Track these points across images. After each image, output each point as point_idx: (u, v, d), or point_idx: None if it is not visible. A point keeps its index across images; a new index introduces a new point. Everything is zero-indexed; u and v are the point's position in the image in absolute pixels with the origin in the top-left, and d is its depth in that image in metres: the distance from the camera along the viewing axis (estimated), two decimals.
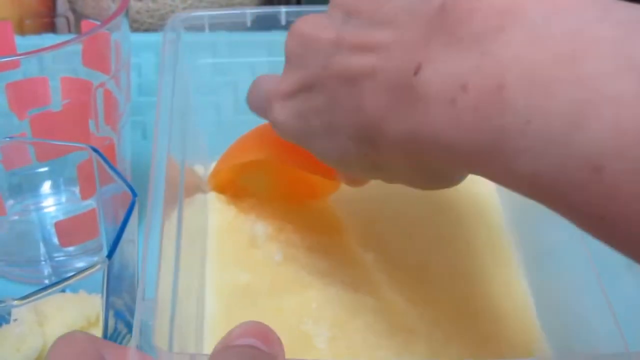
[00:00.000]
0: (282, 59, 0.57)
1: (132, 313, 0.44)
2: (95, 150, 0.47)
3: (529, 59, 0.30)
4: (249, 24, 0.58)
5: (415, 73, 0.34)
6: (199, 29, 0.57)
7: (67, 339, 0.35)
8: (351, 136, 0.40)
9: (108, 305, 0.43)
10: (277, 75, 0.45)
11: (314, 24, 0.42)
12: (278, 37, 0.58)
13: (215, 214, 0.55)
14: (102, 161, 0.47)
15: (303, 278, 0.50)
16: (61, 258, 0.54)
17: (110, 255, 0.41)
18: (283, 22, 0.58)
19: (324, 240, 0.53)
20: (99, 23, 0.51)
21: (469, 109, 0.32)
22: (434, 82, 0.33)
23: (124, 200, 0.44)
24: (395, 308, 0.49)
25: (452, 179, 0.41)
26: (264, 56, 0.60)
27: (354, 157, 0.41)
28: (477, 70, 0.32)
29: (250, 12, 0.58)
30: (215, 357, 0.33)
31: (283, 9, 0.58)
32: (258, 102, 0.47)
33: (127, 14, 0.52)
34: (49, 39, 0.62)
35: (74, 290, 0.47)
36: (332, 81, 0.40)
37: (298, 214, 0.54)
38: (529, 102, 0.30)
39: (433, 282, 0.51)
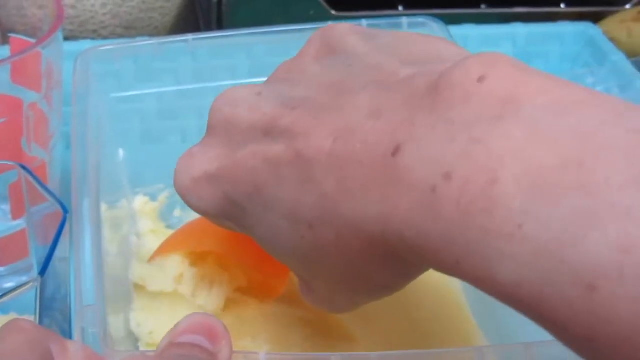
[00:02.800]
0: (190, 87, 0.58)
1: (65, 334, 0.43)
2: (24, 168, 0.47)
3: (530, 156, 0.27)
4: (157, 53, 0.59)
5: (394, 154, 0.31)
6: (108, 60, 0.57)
7: (14, 327, 0.32)
8: (288, 215, 0.36)
9: (41, 324, 0.42)
10: (198, 150, 0.41)
11: (244, 99, 0.39)
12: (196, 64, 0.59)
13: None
14: (31, 179, 0.46)
15: (237, 298, 0.50)
16: None
17: (42, 272, 0.40)
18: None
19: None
20: (26, 37, 0.51)
21: (451, 201, 0.29)
22: (414, 166, 0.30)
23: (54, 220, 0.44)
24: (333, 320, 0.49)
25: (393, 286, 0.37)
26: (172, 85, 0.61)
27: (285, 239, 0.36)
28: (466, 158, 0.29)
29: (159, 42, 0.59)
30: (159, 354, 0.33)
31: (190, 37, 0.58)
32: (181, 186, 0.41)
33: (61, 32, 0.52)
34: None
35: (5, 312, 0.46)
36: (267, 164, 0.36)
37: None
38: (525, 205, 0.27)
39: None
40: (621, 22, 0.78)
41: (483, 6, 0.79)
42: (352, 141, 0.33)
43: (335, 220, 0.33)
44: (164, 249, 0.51)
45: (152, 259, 0.51)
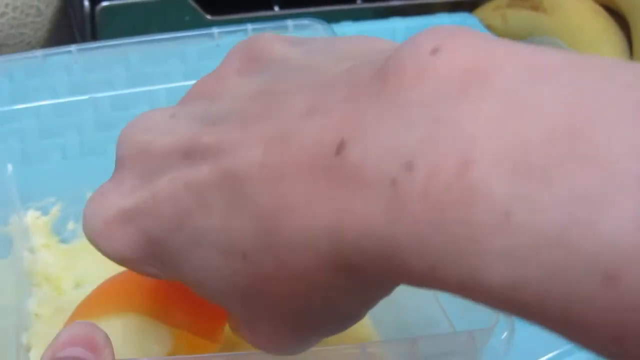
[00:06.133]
0: (75, 98, 0.57)
1: None
2: None
3: (509, 132, 0.23)
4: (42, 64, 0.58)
5: (338, 151, 0.26)
6: None
7: None
8: (218, 247, 0.31)
9: None
10: (108, 188, 0.36)
11: (156, 124, 0.34)
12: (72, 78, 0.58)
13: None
14: None
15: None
16: None
17: None
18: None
19: None
20: None
21: (416, 195, 0.24)
22: (364, 161, 0.26)
23: None
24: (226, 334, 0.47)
25: (355, 315, 0.32)
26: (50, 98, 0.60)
27: (217, 276, 0.32)
28: (429, 142, 0.24)
29: (42, 53, 0.58)
30: None
31: (74, 47, 0.58)
32: (92, 230, 0.36)
33: None
34: None
35: None
36: (189, 191, 0.31)
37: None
38: (511, 189, 0.23)
39: None
40: (495, 8, 0.79)
41: (359, 1, 0.79)
42: (286, 147, 0.28)
43: (274, 243, 0.29)
44: (82, 313, 0.45)
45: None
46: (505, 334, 0.37)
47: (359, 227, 0.26)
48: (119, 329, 0.42)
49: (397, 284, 0.29)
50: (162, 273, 0.35)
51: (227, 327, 0.42)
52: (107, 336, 0.33)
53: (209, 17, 0.74)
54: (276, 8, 0.77)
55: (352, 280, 0.28)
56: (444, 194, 0.24)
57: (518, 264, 0.23)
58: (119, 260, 0.36)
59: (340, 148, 0.26)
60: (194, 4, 0.74)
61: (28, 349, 0.47)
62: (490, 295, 0.24)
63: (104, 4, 0.72)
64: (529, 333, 0.47)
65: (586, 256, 0.21)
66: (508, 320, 0.37)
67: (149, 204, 0.33)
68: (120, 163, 0.36)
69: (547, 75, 0.24)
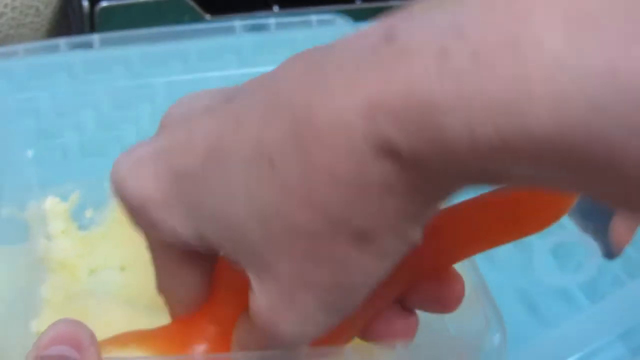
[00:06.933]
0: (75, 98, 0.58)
1: None
2: None
3: None
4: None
5: (388, 39, 0.26)
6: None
7: None
8: (246, 158, 0.29)
9: None
10: (144, 142, 0.34)
11: (204, 93, 0.34)
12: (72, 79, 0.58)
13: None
14: None
15: None
16: None
17: None
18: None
19: None
20: None
21: (465, 55, 0.24)
22: (413, 36, 0.25)
23: None
24: None
25: (398, 218, 0.28)
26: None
27: (241, 197, 0.30)
28: (481, 8, 0.24)
29: (64, 41, 0.60)
30: None
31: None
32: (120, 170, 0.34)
33: None
34: None
35: None
36: (229, 114, 0.31)
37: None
38: (563, 36, 0.23)
39: None
40: None
41: (358, 1, 0.79)
42: (329, 49, 0.28)
43: (304, 142, 0.27)
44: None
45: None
46: (497, 338, 0.37)
47: (400, 94, 0.25)
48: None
49: (437, 171, 0.26)
50: (182, 217, 0.33)
51: None
52: (92, 334, 0.33)
53: (208, 16, 0.75)
54: (275, 8, 0.77)
55: (390, 173, 0.27)
56: (494, 50, 0.24)
57: (565, 104, 0.23)
58: (142, 203, 0.33)
59: (390, 36, 0.26)
60: (193, 4, 0.74)
61: (37, 335, 0.47)
62: (535, 146, 0.24)
63: (103, 4, 0.73)
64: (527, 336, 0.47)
65: (634, 85, 0.22)
66: (500, 325, 0.37)
67: (182, 139, 0.32)
68: (159, 130, 0.35)
69: None
